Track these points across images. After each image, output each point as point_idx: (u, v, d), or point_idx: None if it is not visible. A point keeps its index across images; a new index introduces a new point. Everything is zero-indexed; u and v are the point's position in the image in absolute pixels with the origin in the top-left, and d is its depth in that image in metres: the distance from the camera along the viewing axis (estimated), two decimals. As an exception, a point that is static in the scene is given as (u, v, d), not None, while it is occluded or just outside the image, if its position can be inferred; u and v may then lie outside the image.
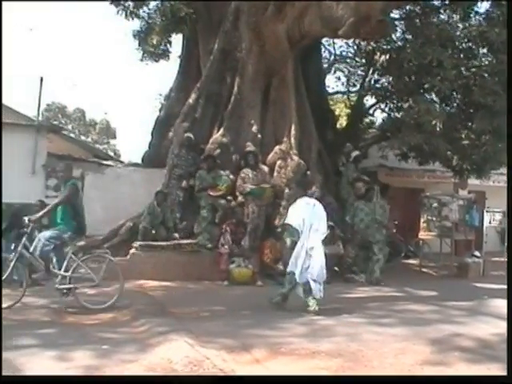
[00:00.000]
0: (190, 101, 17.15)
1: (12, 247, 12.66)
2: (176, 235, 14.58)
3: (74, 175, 17.29)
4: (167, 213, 14.95)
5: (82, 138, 51.26)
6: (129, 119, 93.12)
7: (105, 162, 20.68)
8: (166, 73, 47.78)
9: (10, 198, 14.44)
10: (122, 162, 25.59)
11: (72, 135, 39.27)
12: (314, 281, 9.65)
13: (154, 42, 20.68)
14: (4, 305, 9.34)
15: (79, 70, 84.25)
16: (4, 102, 21.83)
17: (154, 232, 14.56)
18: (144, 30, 20.85)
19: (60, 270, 9.78)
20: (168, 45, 21.52)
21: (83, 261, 10.08)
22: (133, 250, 13.85)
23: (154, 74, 64.70)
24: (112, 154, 42.47)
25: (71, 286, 9.92)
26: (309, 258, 9.67)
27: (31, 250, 9.68)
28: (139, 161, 21.49)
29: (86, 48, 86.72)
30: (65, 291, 9.91)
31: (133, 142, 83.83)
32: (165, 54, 21.87)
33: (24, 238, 9.77)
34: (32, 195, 15.02)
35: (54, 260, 9.85)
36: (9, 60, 75.11)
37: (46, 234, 9.87)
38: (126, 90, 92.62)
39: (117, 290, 10.20)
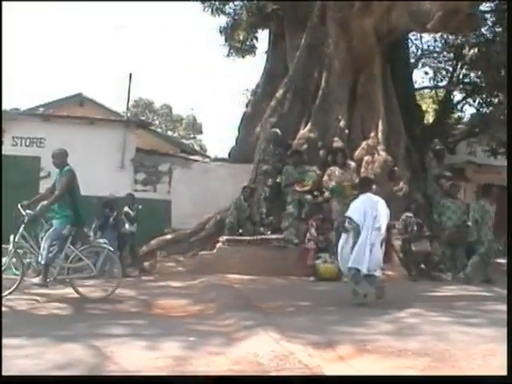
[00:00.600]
0: (278, 96, 17.23)
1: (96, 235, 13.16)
2: (262, 230, 14.66)
3: (162, 169, 17.72)
4: (254, 208, 15.05)
5: (169, 133, 51.94)
6: (215, 114, 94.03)
7: (192, 157, 20.96)
8: (252, 68, 47.98)
9: (100, 191, 14.83)
10: (208, 157, 25.87)
11: (159, 130, 39.93)
12: (370, 276, 9.75)
13: (241, 37, 20.91)
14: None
15: (166, 67, 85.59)
16: (95, 98, 22.50)
17: (240, 227, 14.67)
18: (230, 26, 21.07)
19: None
20: (254, 40, 21.70)
21: (81, 251, 9.97)
22: (219, 244, 14.02)
23: (240, 69, 65.19)
24: (198, 148, 42.93)
25: (69, 276, 9.92)
26: (369, 252, 9.67)
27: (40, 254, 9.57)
28: (225, 156, 21.71)
29: (173, 44, 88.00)
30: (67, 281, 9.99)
31: (219, 137, 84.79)
32: (251, 50, 22.04)
33: (21, 228, 9.60)
34: (121, 189, 15.39)
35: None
36: (99, 57, 77.09)
37: (47, 239, 9.63)
38: (212, 86, 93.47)
39: (115, 281, 10.28)
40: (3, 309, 8.81)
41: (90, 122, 17.58)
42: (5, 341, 6.57)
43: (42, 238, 10.06)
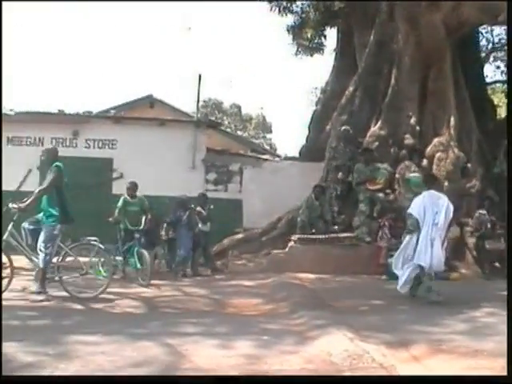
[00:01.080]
0: (347, 94, 17.15)
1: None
2: (334, 228, 14.61)
3: (233, 169, 17.84)
4: (325, 206, 15.00)
5: (239, 132, 52.20)
6: (284, 113, 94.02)
7: (262, 157, 21.05)
8: (320, 67, 47.71)
9: (172, 191, 15.00)
10: (278, 156, 25.91)
11: (228, 130, 40.18)
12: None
13: (308, 35, 20.82)
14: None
15: (235, 66, 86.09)
16: (165, 99, 22.80)
17: (312, 225, 14.64)
18: (298, 24, 21.00)
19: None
20: (322, 38, 21.56)
21: (71, 249, 9.88)
22: (291, 243, 14.03)
23: (309, 67, 64.98)
24: (268, 148, 43.00)
25: (59, 275, 9.76)
26: (431, 248, 9.60)
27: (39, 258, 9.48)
28: (296, 154, 21.69)
29: (242, 44, 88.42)
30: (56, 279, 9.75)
31: (288, 136, 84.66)
32: (319, 48, 21.95)
33: (10, 226, 9.42)
34: (192, 189, 15.49)
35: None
36: (168, 59, 77.98)
37: (42, 243, 9.50)
38: (281, 85, 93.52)
39: (105, 280, 10.14)
40: (80, 307, 9.06)
41: (160, 123, 17.80)
42: (82, 338, 6.77)
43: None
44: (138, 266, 11.85)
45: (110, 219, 12.66)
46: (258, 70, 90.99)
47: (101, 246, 10.11)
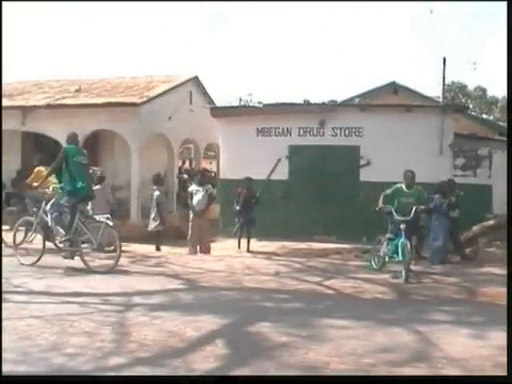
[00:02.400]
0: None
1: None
2: None
3: (481, 154, 17.27)
4: None
5: (484, 116, 50.37)
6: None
7: (512, 140, 20.13)
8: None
9: (420, 177, 14.83)
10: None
11: (473, 114, 38.88)
12: None
13: None
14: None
15: (480, 49, 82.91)
16: (409, 85, 22.56)
17: None
18: None
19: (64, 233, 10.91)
20: None
21: (83, 223, 10.89)
22: None
23: None
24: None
25: (75, 248, 10.94)
26: None
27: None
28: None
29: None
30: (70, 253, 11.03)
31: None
32: None
33: (43, 204, 11.37)
34: (440, 174, 15.27)
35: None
36: (411, 44, 76.77)
37: (48, 205, 11.22)
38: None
39: (116, 255, 10.76)
40: (329, 292, 9.32)
41: (406, 110, 17.61)
42: (333, 321, 6.99)
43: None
44: (401, 258, 10.89)
45: (377, 208, 11.70)
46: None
47: (109, 223, 11.08)
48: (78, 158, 11.12)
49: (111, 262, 10.82)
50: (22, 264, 11.05)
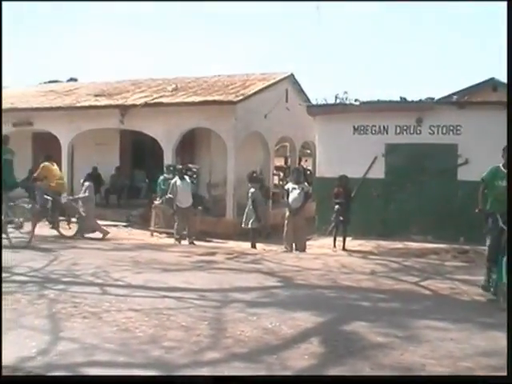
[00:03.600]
0: None
1: None
2: None
3: None
4: None
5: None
6: None
7: None
8: None
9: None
10: None
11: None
12: None
13: None
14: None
15: None
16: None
17: None
18: None
19: None
20: None
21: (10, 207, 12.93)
22: None
23: None
24: None
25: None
26: None
27: None
28: None
29: None
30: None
31: None
32: None
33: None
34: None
35: None
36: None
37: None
38: None
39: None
40: (427, 293, 9.23)
41: (505, 107, 17.20)
42: (431, 323, 6.93)
43: None
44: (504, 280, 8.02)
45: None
46: None
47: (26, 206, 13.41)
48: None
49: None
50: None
